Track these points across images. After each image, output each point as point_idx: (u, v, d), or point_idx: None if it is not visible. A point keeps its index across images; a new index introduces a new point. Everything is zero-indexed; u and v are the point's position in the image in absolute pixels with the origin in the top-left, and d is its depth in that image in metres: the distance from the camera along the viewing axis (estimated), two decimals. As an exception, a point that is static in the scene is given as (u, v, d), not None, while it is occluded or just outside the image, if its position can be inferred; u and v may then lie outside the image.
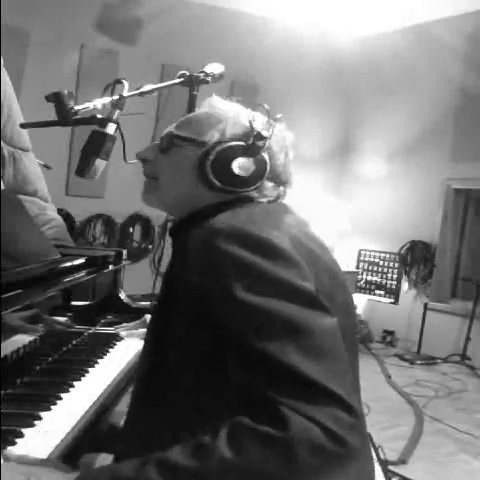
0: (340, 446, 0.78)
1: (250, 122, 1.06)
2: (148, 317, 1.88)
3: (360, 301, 6.05)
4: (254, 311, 0.85)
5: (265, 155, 1.07)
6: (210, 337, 0.90)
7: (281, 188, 1.13)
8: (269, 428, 0.78)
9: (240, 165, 1.04)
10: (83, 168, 1.46)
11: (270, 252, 0.90)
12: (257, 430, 0.78)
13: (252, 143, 1.05)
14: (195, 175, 1.07)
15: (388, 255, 6.01)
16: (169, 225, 1.22)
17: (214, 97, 1.15)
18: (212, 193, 1.07)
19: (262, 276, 0.88)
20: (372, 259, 6.18)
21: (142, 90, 1.59)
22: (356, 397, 0.84)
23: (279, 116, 1.10)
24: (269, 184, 1.10)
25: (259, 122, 1.07)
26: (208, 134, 1.07)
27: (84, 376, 1.45)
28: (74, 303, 1.76)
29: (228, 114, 1.10)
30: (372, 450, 1.35)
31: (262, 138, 1.05)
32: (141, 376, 1.10)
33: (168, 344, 1.00)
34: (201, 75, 1.74)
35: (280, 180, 1.12)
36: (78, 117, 1.44)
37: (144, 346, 1.11)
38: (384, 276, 6.07)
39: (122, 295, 2.09)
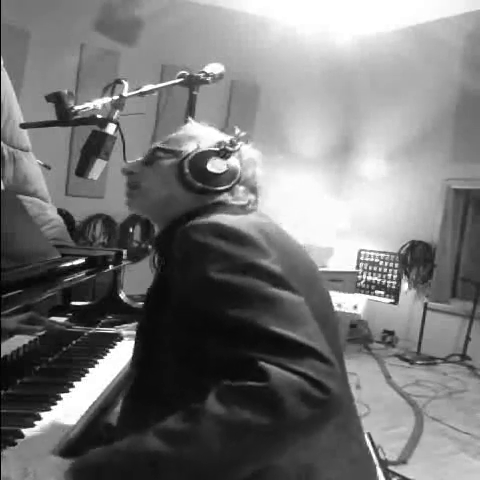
0: (325, 393, 0.82)
1: (220, 137, 1.21)
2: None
3: (360, 301, 6.04)
4: (228, 286, 0.92)
5: (236, 159, 1.19)
6: (192, 328, 0.95)
7: (252, 196, 1.21)
8: (252, 383, 0.82)
9: (214, 164, 1.16)
10: (83, 168, 1.46)
11: (240, 239, 0.98)
12: (241, 386, 0.82)
13: (224, 148, 1.18)
14: (175, 178, 1.17)
15: (388, 255, 6.01)
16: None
17: (189, 123, 1.30)
18: (191, 195, 1.16)
19: (233, 260, 0.95)
20: (372, 259, 6.18)
21: (142, 90, 1.59)
22: (333, 357, 0.89)
23: (245, 134, 1.23)
24: (240, 188, 1.19)
25: (228, 138, 1.22)
26: (185, 146, 1.20)
27: (84, 376, 1.45)
28: (74, 303, 1.76)
29: (201, 132, 1.25)
30: (372, 450, 1.35)
31: (233, 145, 1.19)
32: (132, 373, 1.15)
33: (156, 342, 1.06)
34: (201, 75, 1.74)
35: (250, 186, 1.21)
36: (78, 117, 1.44)
37: (134, 346, 1.16)
38: (384, 276, 6.07)
39: (122, 295, 2.09)
